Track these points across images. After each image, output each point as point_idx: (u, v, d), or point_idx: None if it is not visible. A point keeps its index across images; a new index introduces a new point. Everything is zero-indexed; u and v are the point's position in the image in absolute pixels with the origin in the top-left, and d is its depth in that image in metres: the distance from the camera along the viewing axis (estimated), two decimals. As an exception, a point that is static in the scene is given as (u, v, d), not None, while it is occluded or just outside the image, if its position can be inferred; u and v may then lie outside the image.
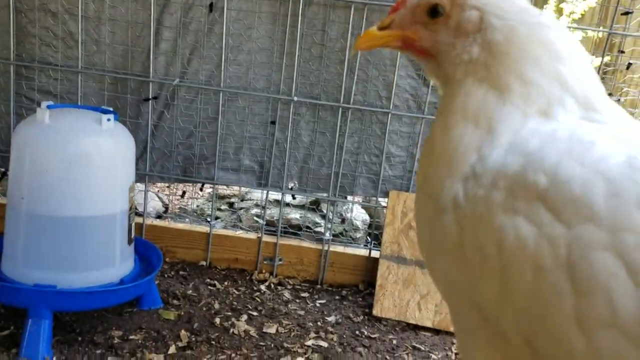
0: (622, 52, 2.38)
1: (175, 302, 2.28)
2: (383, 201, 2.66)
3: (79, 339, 1.93)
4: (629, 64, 2.39)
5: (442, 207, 0.72)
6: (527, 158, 0.71)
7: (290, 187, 2.69)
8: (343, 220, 2.91)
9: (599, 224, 0.63)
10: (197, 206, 3.24)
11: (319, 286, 2.61)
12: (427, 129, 2.55)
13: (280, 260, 2.65)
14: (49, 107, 1.90)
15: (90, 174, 1.89)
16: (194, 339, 2.01)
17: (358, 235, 2.91)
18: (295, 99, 2.49)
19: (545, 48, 0.79)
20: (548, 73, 0.78)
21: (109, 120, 1.92)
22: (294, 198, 2.85)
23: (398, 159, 2.57)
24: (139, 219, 2.63)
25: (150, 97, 2.52)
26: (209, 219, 2.78)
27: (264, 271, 2.66)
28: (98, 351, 1.87)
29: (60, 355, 1.81)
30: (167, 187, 3.37)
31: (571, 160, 0.68)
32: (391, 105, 2.48)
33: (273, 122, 2.56)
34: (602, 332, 0.50)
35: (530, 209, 0.63)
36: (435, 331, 2.28)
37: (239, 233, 2.74)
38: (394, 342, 2.17)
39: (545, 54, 0.79)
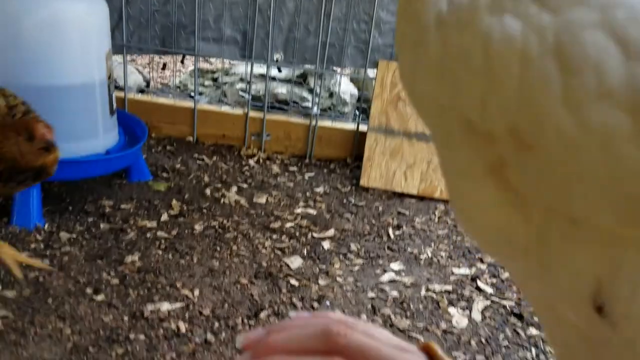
0: None
1: (164, 175, 2.28)
2: (371, 72, 2.58)
3: (70, 208, 1.95)
4: None
5: (424, 27, 0.68)
6: None
7: (275, 59, 2.59)
8: (331, 95, 2.85)
9: (588, 4, 0.59)
10: (180, 81, 3.14)
11: (307, 160, 2.62)
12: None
13: (267, 135, 2.63)
14: (11, -35, 1.73)
15: (64, 40, 1.78)
16: (185, 208, 2.04)
17: (346, 109, 2.87)
18: (280, -41, 2.31)
19: None
20: None
21: (77, -22, 1.77)
22: (279, 71, 2.76)
23: (389, 26, 2.45)
24: (120, 94, 2.55)
25: (121, -43, 2.30)
26: (192, 94, 2.70)
27: (252, 147, 2.65)
28: (90, 219, 1.89)
29: (52, 223, 1.84)
30: (148, 64, 3.24)
31: None
32: (383, -34, 2.31)
33: (256, -13, 2.39)
34: (592, 106, 0.49)
35: (518, 3, 0.60)
36: (420, 198, 2.34)
37: (225, 109, 2.69)
38: (380, 208, 2.23)
39: None
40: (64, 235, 1.78)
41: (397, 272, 1.81)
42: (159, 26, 2.48)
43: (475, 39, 0.65)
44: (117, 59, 2.50)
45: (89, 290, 1.53)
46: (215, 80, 3.11)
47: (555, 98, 0.50)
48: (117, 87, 2.56)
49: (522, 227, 0.41)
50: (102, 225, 1.86)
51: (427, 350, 0.42)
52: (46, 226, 1.81)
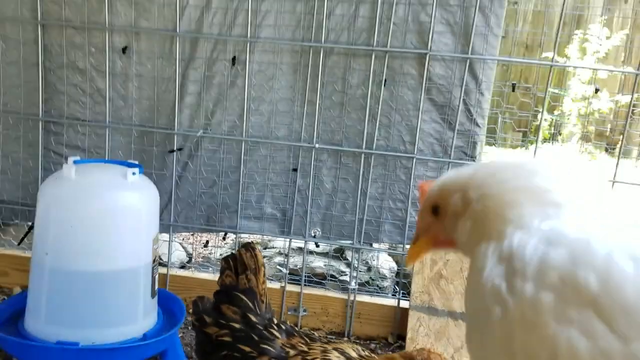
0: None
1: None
2: (409, 248, 2.59)
3: (101, 397, 1.88)
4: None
5: (489, 309, 0.71)
6: (571, 248, 0.70)
7: (313, 234, 2.65)
8: (369, 269, 2.84)
9: None
10: (221, 254, 3.22)
11: (345, 338, 2.52)
12: (452, 173, 2.50)
13: (304, 310, 2.58)
14: (75, 162, 1.93)
15: (115, 228, 1.89)
16: (217, 396, 1.94)
17: (385, 284, 2.83)
18: (317, 145, 2.49)
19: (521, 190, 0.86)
20: (526, 201, 0.83)
21: (134, 174, 1.94)
22: (317, 246, 2.81)
23: (423, 205, 2.51)
24: (162, 270, 2.61)
25: (175, 148, 2.55)
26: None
27: (288, 322, 2.58)
28: (120, 411, 1.81)
29: (82, 416, 1.76)
30: (191, 235, 3.38)
31: (627, 258, 0.65)
32: (415, 150, 2.45)
33: (295, 170, 2.55)
34: None
35: (584, 318, 0.61)
36: (470, 386, 2.16)
37: (263, 283, 2.69)
38: (427, 399, 2.05)
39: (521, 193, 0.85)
40: None
41: None
42: (204, 206, 2.63)
43: (542, 345, 0.65)
44: (163, 236, 2.62)
45: None
46: (255, 253, 3.18)
47: None
48: (161, 264, 2.64)
49: None
50: (131, 419, 1.77)
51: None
52: (74, 420, 1.74)
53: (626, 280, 0.62)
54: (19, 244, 2.70)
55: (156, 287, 2.08)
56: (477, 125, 2.42)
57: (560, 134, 6.04)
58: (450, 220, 0.94)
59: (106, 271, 1.88)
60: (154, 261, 2.03)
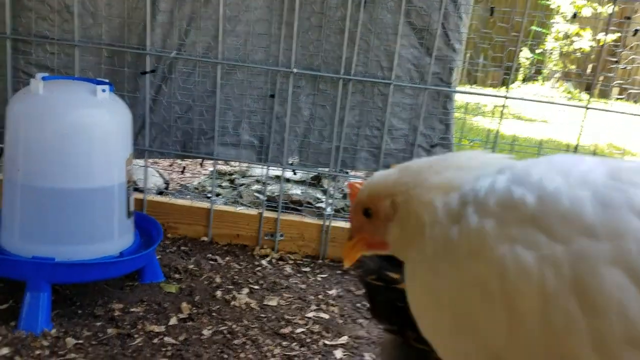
0: (629, 18, 2.32)
1: (176, 276, 2.27)
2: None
3: (79, 311, 1.93)
4: (636, 31, 2.33)
5: (432, 250, 0.75)
6: (512, 176, 0.74)
7: (290, 162, 2.66)
8: (344, 196, 2.89)
9: (595, 234, 0.61)
10: (198, 183, 3.23)
11: (320, 261, 2.59)
12: (430, 100, 2.50)
13: (281, 235, 2.63)
14: (43, 78, 1.87)
15: (85, 145, 1.87)
16: (195, 311, 2.00)
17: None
18: (295, 70, 2.45)
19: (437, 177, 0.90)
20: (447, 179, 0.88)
21: (103, 91, 1.90)
22: (294, 173, 2.82)
23: (400, 132, 2.53)
24: (140, 195, 2.61)
25: (147, 70, 2.48)
26: (209, 196, 2.76)
27: (265, 246, 2.64)
28: (98, 323, 1.86)
29: (60, 328, 1.81)
30: (170, 166, 3.36)
31: (556, 175, 0.69)
32: (393, 76, 2.43)
33: (272, 96, 2.52)
34: (622, 352, 0.48)
35: (525, 233, 0.64)
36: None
37: (240, 209, 2.72)
38: (396, 314, 2.15)
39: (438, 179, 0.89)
40: (70, 340, 1.75)
41: (413, 385, 1.70)
42: (180, 132, 2.60)
43: (490, 268, 0.66)
44: (139, 162, 2.60)
45: (88, 402, 1.47)
46: (232, 182, 3.19)
47: (582, 340, 0.49)
48: (137, 189, 2.63)
49: None
50: (109, 330, 1.82)
51: None
52: (53, 331, 1.78)
53: (560, 191, 0.66)
54: (-10, 166, 2.65)
55: (132, 208, 2.08)
56: (454, 50, 2.40)
57: (540, 73, 6.05)
58: (381, 223, 0.95)
59: (78, 189, 1.88)
60: (128, 182, 2.02)
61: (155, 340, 1.79)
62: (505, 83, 2.58)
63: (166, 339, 1.81)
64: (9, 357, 1.63)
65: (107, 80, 2.00)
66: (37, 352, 1.68)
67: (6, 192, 1.91)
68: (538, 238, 0.60)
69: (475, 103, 2.83)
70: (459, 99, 2.76)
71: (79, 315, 1.90)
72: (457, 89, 2.62)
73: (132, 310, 1.96)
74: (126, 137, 2.01)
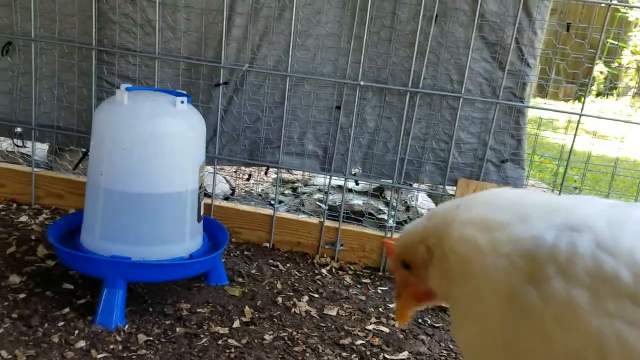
0: None
1: (240, 280, 2.34)
2: (450, 189, 2.59)
3: (150, 309, 2.02)
4: None
5: (488, 289, 0.75)
6: (597, 241, 0.71)
7: (353, 172, 2.68)
8: (407, 208, 2.87)
9: None
10: (262, 190, 3.31)
11: (380, 273, 2.59)
12: (501, 115, 2.45)
13: (341, 245, 2.65)
14: (127, 89, 2.00)
15: (164, 153, 1.97)
16: (257, 315, 2.06)
17: (422, 224, 2.86)
18: (362, 83, 2.48)
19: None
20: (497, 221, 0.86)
21: (182, 102, 2.00)
22: (357, 184, 2.84)
23: (468, 146, 2.49)
24: (207, 200, 2.72)
25: (221, 82, 2.58)
26: (273, 202, 2.83)
27: (325, 255, 2.67)
28: (167, 321, 1.95)
29: (133, 324, 1.91)
30: (235, 172, 3.47)
31: None
32: (463, 90, 2.40)
33: (338, 107, 2.56)
34: None
35: (624, 308, 0.63)
36: (501, 324, 2.20)
37: (302, 217, 2.77)
38: (457, 332, 2.11)
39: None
40: (141, 337, 1.84)
41: (475, 406, 1.66)
42: (248, 141, 2.69)
43: (586, 341, 0.66)
44: (209, 169, 2.71)
45: (158, 397, 1.54)
46: (294, 190, 3.25)
47: None
48: (206, 195, 2.74)
49: None
50: (178, 329, 1.91)
51: None
52: (126, 327, 1.89)
53: None
54: (74, 169, 2.85)
55: (202, 213, 2.17)
56: (528, 65, 2.34)
57: (616, 88, 5.76)
58: (422, 272, 0.96)
59: (155, 194, 1.98)
60: (200, 188, 2.11)
61: (220, 342, 1.86)
62: (579, 98, 2.48)
63: (230, 340, 1.87)
64: (86, 350, 1.74)
65: (185, 92, 2.11)
66: (111, 346, 1.78)
67: (89, 195, 2.04)
68: (638, 315, 0.59)
69: (548, 118, 2.75)
70: (531, 113, 2.68)
71: (150, 313, 2.00)
72: (530, 104, 2.55)
73: (198, 310, 2.04)
74: (200, 145, 2.10)
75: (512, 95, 2.41)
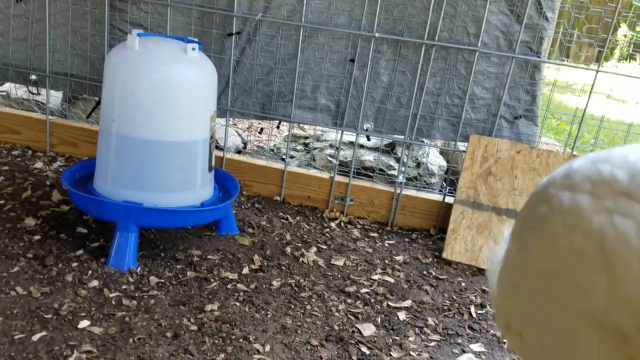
0: None
1: (250, 230, 2.37)
2: (462, 146, 2.57)
3: (162, 255, 2.07)
4: None
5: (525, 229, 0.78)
6: (592, 156, 0.77)
7: (365, 128, 2.67)
8: (418, 165, 2.86)
9: None
10: (274, 145, 3.31)
11: (388, 228, 2.61)
12: (517, 70, 2.40)
13: (351, 200, 2.67)
14: (138, 34, 1.98)
15: (176, 100, 1.97)
16: (265, 263, 2.10)
17: (433, 180, 2.85)
18: (377, 35, 2.43)
19: None
20: None
21: (193, 49, 1.98)
22: (368, 139, 2.83)
23: (482, 102, 2.46)
24: (219, 153, 2.74)
25: (234, 32, 2.55)
26: (284, 157, 2.83)
27: (334, 210, 2.69)
28: (179, 266, 2.00)
29: (144, 267, 1.96)
30: (247, 129, 3.47)
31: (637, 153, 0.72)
32: (479, 43, 2.35)
33: (352, 60, 2.52)
34: None
35: (620, 204, 0.68)
36: (507, 278, 2.22)
37: (313, 172, 2.78)
38: (463, 284, 2.14)
39: None
40: (153, 279, 1.89)
41: (477, 354, 1.70)
42: (260, 94, 2.68)
43: (588, 239, 0.69)
44: (221, 121, 2.71)
45: (168, 334, 1.59)
46: (306, 145, 3.25)
47: None
48: (218, 147, 2.75)
49: None
50: (188, 273, 1.95)
51: None
52: (139, 269, 1.94)
53: None
54: (87, 117, 2.87)
55: (213, 163, 2.19)
56: (546, 19, 2.27)
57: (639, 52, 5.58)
58: None
59: (167, 141, 1.99)
60: (211, 138, 2.12)
61: (229, 286, 1.90)
62: (598, 58, 2.42)
63: (239, 285, 1.92)
64: (99, 289, 1.79)
65: (196, 39, 2.08)
66: (124, 286, 1.83)
67: (101, 140, 2.06)
68: (634, 208, 0.64)
69: (564, 81, 2.68)
70: (548, 75, 2.62)
71: (162, 258, 2.04)
72: (547, 59, 2.49)
73: (209, 257, 2.09)
74: (212, 94, 2.10)
75: (528, 49, 2.35)
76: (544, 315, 0.73)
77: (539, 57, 2.36)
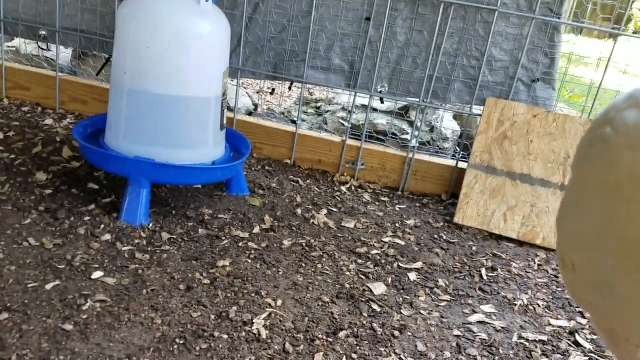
0: None
1: (260, 192, 2.36)
2: (477, 109, 2.52)
3: (173, 212, 2.07)
4: None
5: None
6: None
7: (379, 90, 2.62)
8: (431, 129, 2.82)
9: None
10: (285, 108, 3.28)
11: (399, 192, 2.59)
12: (536, 31, 2.34)
13: (362, 164, 2.64)
14: (151, -15, 1.93)
15: (188, 53, 1.93)
16: (276, 223, 2.09)
17: (446, 145, 2.82)
18: (394, -7, 2.36)
19: None
20: None
21: (206, 0, 1.93)
22: (382, 102, 2.78)
23: (500, 64, 2.40)
24: (230, 114, 2.71)
25: (246, -13, 2.49)
26: (295, 120, 2.80)
27: (345, 174, 2.67)
28: (190, 223, 2.00)
29: (156, 223, 1.96)
30: (257, 92, 3.43)
31: None
32: (499, 2, 2.28)
33: (368, 19, 2.46)
34: None
35: None
36: (519, 242, 2.21)
37: (324, 135, 2.75)
38: (474, 248, 2.13)
39: None
40: (165, 235, 1.89)
41: (488, 315, 1.70)
42: (272, 53, 2.63)
43: None
44: (231, 81, 2.67)
45: (181, 287, 1.60)
46: (317, 109, 3.21)
47: None
48: (229, 108, 2.72)
49: None
50: (200, 230, 1.95)
51: None
52: (150, 225, 1.94)
53: None
54: (97, 74, 2.83)
55: (224, 121, 2.16)
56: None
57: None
58: None
59: (179, 96, 1.96)
60: (223, 95, 2.09)
61: (240, 244, 1.90)
62: (618, 21, 2.35)
63: (250, 243, 1.92)
64: (111, 242, 1.79)
65: (209, -9, 2.03)
66: (136, 240, 1.83)
67: (113, 94, 2.04)
68: None
69: (577, 54, 2.61)
70: (562, 48, 2.55)
71: (173, 215, 2.04)
72: (566, 20, 2.41)
73: (220, 216, 2.08)
74: (225, 49, 2.05)
75: (548, 10, 2.28)
76: (597, 237, 0.71)
77: (559, 18, 2.29)
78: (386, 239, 2.10)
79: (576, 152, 0.82)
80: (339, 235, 2.09)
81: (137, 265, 1.67)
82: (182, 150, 2.02)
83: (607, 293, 0.68)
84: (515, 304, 1.77)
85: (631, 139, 0.66)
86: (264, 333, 1.43)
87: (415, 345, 1.50)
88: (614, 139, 0.68)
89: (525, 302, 1.79)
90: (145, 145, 1.98)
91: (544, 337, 1.61)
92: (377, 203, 2.46)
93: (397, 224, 2.26)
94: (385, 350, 1.46)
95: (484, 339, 1.56)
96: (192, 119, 2.02)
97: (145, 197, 1.95)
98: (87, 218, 1.90)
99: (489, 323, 1.65)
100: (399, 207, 2.44)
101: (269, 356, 1.35)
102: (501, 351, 1.52)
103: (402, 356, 1.45)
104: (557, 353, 1.55)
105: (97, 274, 1.60)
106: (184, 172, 1.99)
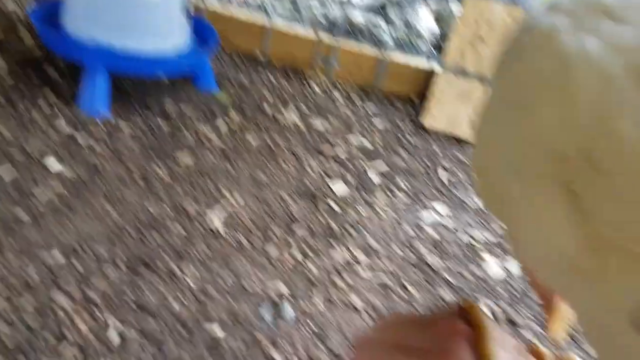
0: None
1: (229, 88, 2.30)
2: (458, 10, 2.41)
3: (136, 105, 2.02)
4: None
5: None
6: None
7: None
8: (407, 25, 2.71)
9: None
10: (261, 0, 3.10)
11: (371, 93, 2.55)
12: None
13: (335, 62, 2.56)
14: None
15: None
16: (243, 120, 2.07)
17: (422, 45, 2.73)
18: None
19: None
20: None
21: None
22: (360, -3, 2.64)
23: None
24: (200, 4, 2.56)
25: None
26: (269, 11, 2.66)
27: (318, 72, 2.60)
28: (153, 118, 1.96)
29: (117, 115, 1.92)
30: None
31: None
32: None
33: None
34: None
35: (597, 22, 0.59)
36: (483, 148, 2.23)
37: (298, 29, 2.64)
38: (437, 150, 2.15)
39: None
40: (126, 129, 1.86)
41: (441, 215, 1.76)
42: None
43: (553, 60, 0.61)
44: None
45: (139, 181, 1.61)
46: (294, 3, 3.04)
47: (632, 123, 0.45)
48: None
49: (583, 250, 0.38)
50: (162, 124, 1.92)
51: (468, 309, 0.38)
52: (112, 119, 1.90)
53: None
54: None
55: (191, 12, 2.04)
56: None
57: None
58: None
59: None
60: (186, -19, 1.96)
61: (204, 140, 1.89)
62: None
63: (214, 140, 1.90)
64: (70, 134, 1.76)
65: None
66: (95, 133, 1.81)
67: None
68: (609, 26, 0.59)
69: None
70: None
71: (135, 107, 2.00)
72: None
73: (184, 112, 2.04)
74: None
75: None
76: (498, 146, 0.72)
77: None
78: (353, 140, 2.11)
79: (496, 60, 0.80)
80: (306, 134, 2.08)
81: (94, 158, 1.67)
82: (144, 38, 1.93)
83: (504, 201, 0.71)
84: (470, 207, 1.83)
85: (537, 41, 0.65)
86: (221, 228, 1.47)
87: (367, 242, 1.56)
88: (523, 43, 0.67)
89: (480, 205, 1.85)
90: (106, 32, 1.88)
91: (493, 239, 1.68)
92: (347, 103, 2.42)
93: (365, 125, 2.25)
94: (338, 245, 1.52)
95: (435, 238, 1.63)
96: (155, 6, 1.91)
97: (103, 86, 1.88)
98: (46, 109, 1.86)
99: (442, 223, 1.71)
100: (369, 108, 2.41)
101: (224, 250, 1.40)
102: (449, 250, 1.59)
103: (353, 251, 1.52)
104: (505, 254, 1.63)
105: (54, 166, 1.59)
106: (145, 61, 1.92)
